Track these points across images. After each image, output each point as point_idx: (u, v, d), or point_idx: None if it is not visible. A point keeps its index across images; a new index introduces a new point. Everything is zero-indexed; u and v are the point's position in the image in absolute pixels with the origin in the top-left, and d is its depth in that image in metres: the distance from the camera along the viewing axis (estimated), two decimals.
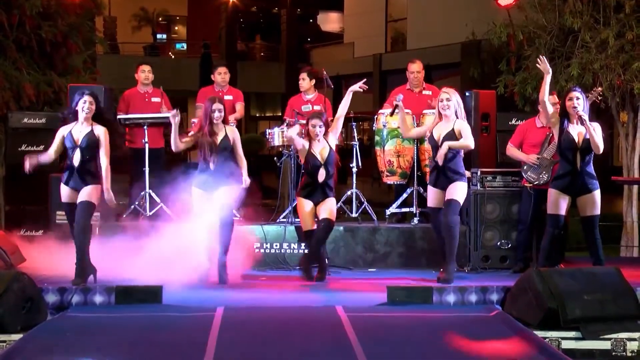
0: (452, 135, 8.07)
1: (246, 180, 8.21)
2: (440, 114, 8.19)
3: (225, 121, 8.29)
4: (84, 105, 7.81)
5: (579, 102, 7.91)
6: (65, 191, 7.90)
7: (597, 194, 7.99)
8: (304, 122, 9.82)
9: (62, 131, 7.91)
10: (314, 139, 8.48)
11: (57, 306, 7.26)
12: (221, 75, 10.62)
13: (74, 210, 7.83)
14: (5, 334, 6.38)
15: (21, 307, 6.65)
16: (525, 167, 8.86)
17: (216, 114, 8.15)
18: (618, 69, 10.58)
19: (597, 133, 7.89)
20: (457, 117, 8.14)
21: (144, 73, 10.57)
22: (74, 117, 7.88)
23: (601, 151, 7.91)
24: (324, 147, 8.48)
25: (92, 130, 7.83)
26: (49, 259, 8.43)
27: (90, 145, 7.82)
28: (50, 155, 7.98)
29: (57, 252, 8.16)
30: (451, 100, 8.10)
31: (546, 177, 8.65)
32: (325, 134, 8.52)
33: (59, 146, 7.93)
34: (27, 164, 7.86)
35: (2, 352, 5.94)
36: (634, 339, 6.66)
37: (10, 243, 8.75)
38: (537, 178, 8.71)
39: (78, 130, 7.84)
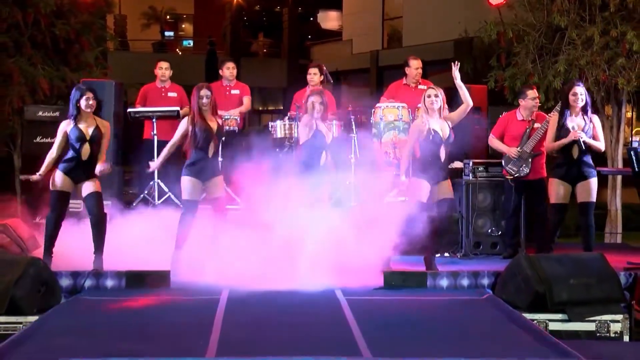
0: (450, 136, 7.95)
1: None
2: (427, 108, 7.96)
3: (214, 112, 8.01)
4: (86, 102, 7.70)
5: (583, 97, 7.95)
6: (62, 179, 7.69)
7: (594, 181, 8.01)
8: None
9: (65, 127, 7.72)
10: (310, 115, 8.13)
11: (70, 290, 7.28)
12: (229, 70, 10.61)
13: (65, 199, 7.78)
14: (22, 316, 6.41)
15: (37, 290, 6.68)
16: (506, 160, 8.85)
17: (204, 100, 7.86)
18: (603, 65, 10.59)
19: (597, 128, 7.97)
20: (442, 113, 7.93)
21: (162, 70, 10.57)
22: (77, 113, 7.73)
23: (602, 149, 8.10)
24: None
25: (97, 126, 7.79)
26: (62, 244, 8.43)
27: (98, 140, 7.76)
28: (52, 154, 7.78)
29: (69, 238, 8.15)
30: (439, 97, 7.94)
31: (527, 170, 8.65)
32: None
33: (61, 142, 7.75)
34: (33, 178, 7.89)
35: (19, 332, 5.96)
36: (617, 321, 6.68)
37: (26, 230, 8.76)
38: (518, 171, 8.71)
39: (84, 124, 7.72)
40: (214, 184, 7.97)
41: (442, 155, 7.93)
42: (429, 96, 7.95)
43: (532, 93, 8.98)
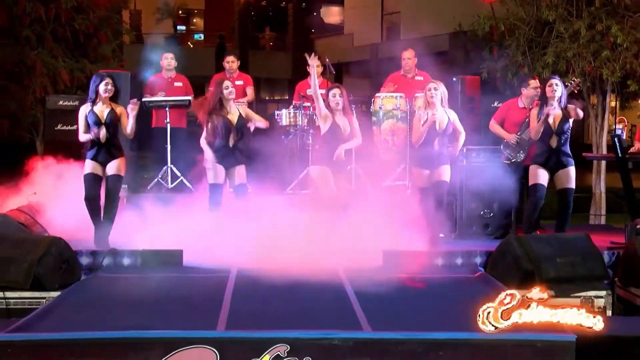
0: (448, 125, 7.94)
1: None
2: (428, 101, 8.02)
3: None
4: (106, 87, 7.75)
5: (558, 88, 7.90)
6: (90, 164, 7.77)
7: (572, 170, 7.98)
8: (308, 104, 9.84)
9: (84, 110, 7.81)
10: (334, 109, 8.09)
11: (89, 267, 7.31)
12: (229, 63, 10.63)
13: (97, 181, 7.78)
14: (45, 292, 6.44)
15: (58, 268, 6.70)
16: (505, 145, 8.83)
17: (226, 91, 7.96)
18: (589, 57, 10.58)
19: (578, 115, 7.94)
20: (443, 106, 7.96)
21: (167, 60, 10.56)
22: (95, 97, 7.79)
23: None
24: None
25: (113, 109, 7.80)
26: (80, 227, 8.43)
27: (114, 122, 7.79)
28: (83, 136, 7.89)
29: (87, 221, 8.16)
30: (438, 89, 7.97)
31: (523, 156, 8.62)
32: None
33: (85, 125, 7.82)
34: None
35: (42, 307, 5.98)
36: (601, 297, 6.69)
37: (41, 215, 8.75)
38: (515, 156, 8.67)
39: (99, 109, 7.77)
40: (236, 172, 8.02)
41: (437, 144, 7.95)
42: (429, 89, 8.00)
43: (533, 82, 8.93)
